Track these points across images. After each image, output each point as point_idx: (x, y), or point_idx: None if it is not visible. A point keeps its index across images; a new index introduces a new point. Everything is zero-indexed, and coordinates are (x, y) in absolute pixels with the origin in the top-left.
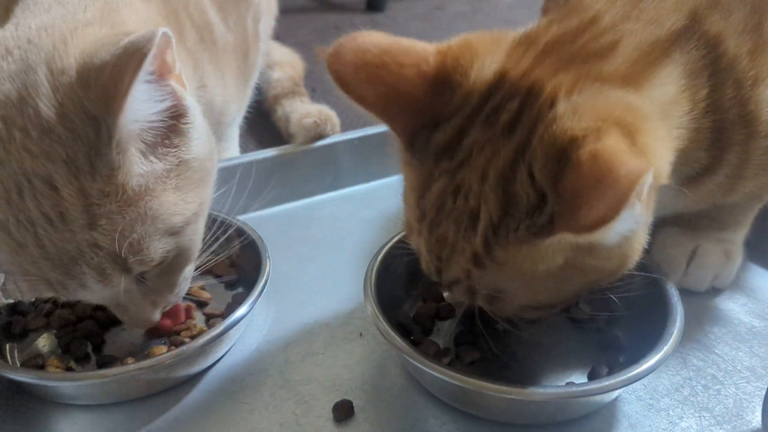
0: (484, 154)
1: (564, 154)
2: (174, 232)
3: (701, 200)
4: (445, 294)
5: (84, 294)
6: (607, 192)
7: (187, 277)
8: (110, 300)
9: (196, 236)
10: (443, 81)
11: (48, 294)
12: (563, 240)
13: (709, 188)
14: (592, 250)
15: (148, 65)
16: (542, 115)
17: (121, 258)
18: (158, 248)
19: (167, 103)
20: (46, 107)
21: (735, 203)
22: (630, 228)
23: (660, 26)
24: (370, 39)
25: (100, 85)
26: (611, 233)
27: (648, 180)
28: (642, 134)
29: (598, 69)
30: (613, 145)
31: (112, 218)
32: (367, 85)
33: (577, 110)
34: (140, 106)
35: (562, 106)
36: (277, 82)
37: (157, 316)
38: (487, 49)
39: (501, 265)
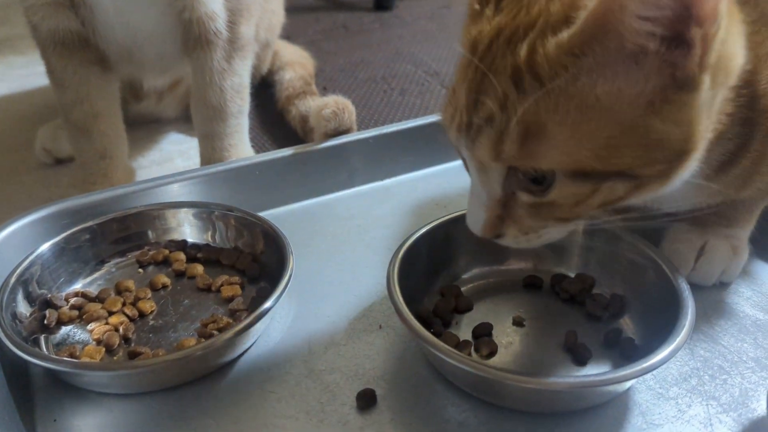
0: None
1: None
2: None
3: (718, 193)
4: (469, 159)
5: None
6: None
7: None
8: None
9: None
10: None
11: None
12: (591, 24)
13: (726, 181)
14: (656, 104)
15: None
16: None
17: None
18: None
19: None
20: None
21: (744, 199)
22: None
23: None
24: None
25: None
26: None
27: (719, 32)
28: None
29: None
30: None
31: None
32: None
33: None
34: None
35: None
36: (289, 82)
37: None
38: None
39: (542, 82)
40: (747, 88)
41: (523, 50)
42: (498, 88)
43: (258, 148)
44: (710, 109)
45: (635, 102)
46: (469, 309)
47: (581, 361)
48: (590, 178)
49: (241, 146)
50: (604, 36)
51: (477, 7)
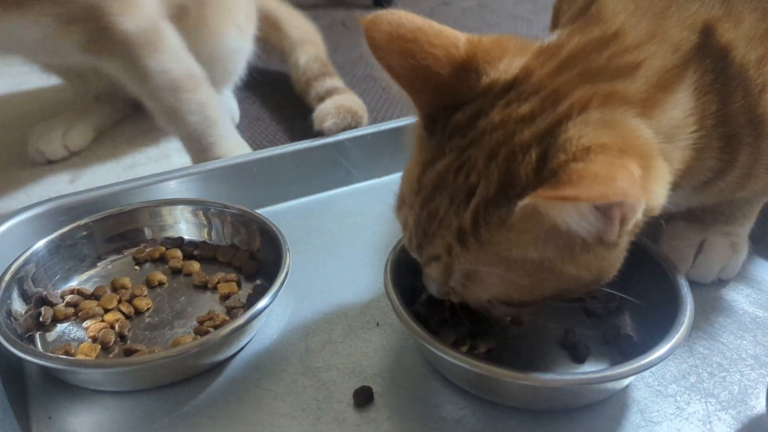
0: (498, 135)
1: (586, 152)
2: None
3: (712, 197)
4: (425, 273)
5: None
6: (595, 184)
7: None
8: None
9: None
10: (471, 67)
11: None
12: (528, 211)
13: (720, 187)
14: (570, 255)
15: None
16: (569, 114)
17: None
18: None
19: None
20: None
21: (743, 198)
22: (584, 227)
23: (678, 49)
24: (407, 16)
25: None
26: (567, 216)
27: (638, 214)
28: (649, 171)
29: (621, 89)
30: (631, 166)
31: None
32: (397, 56)
33: (603, 125)
34: None
35: (590, 115)
36: (306, 66)
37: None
38: (516, 49)
39: (482, 246)
40: (717, 120)
41: (467, 217)
42: (445, 238)
43: (271, 141)
44: (626, 246)
45: (557, 256)
46: (466, 306)
47: (579, 358)
48: (520, 305)
49: (222, 141)
50: (538, 223)
51: (424, 134)
